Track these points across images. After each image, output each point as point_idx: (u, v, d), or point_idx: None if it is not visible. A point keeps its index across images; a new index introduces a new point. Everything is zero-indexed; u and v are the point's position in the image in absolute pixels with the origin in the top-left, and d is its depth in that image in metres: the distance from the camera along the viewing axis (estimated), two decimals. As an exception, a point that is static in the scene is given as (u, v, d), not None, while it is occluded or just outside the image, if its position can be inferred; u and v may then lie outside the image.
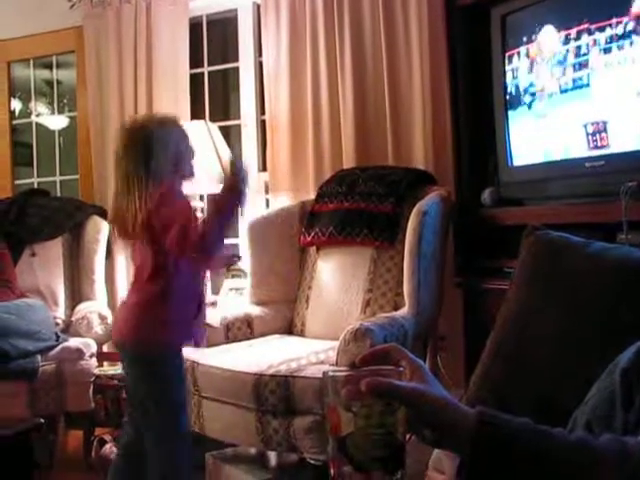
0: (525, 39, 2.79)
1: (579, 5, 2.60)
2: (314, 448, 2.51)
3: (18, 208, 4.03)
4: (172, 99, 4.10)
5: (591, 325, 1.39)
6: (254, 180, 3.65)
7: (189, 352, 2.92)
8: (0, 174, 4.77)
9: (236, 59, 4.18)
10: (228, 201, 2.30)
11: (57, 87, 4.88)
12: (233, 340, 3.13)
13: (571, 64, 2.57)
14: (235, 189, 2.27)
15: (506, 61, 2.89)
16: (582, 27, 2.50)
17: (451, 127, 3.32)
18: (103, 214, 4.04)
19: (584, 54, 2.50)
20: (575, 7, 2.61)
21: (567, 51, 2.58)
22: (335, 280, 3.23)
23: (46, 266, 3.90)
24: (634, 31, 2.32)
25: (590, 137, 2.51)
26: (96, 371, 3.50)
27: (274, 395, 2.58)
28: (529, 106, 2.81)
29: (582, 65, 2.52)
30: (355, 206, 3.23)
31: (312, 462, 2.57)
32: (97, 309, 3.69)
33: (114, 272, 4.09)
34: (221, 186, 2.44)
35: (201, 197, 3.92)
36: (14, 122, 4.93)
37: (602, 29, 2.42)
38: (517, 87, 2.86)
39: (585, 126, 2.53)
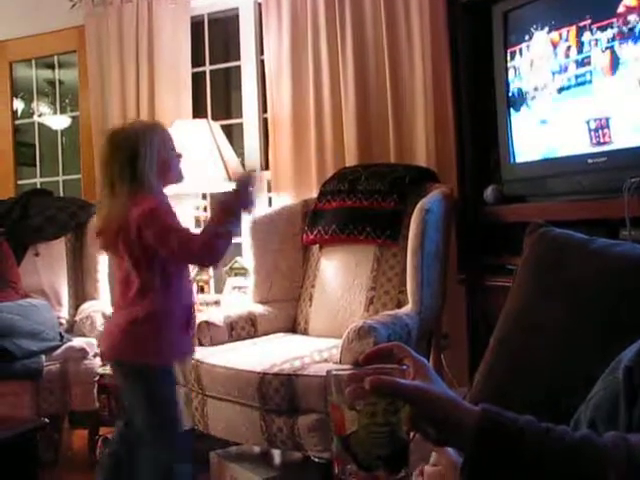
0: (527, 36, 2.78)
1: (581, 1, 2.60)
2: (318, 446, 2.51)
3: (21, 208, 4.03)
4: (174, 98, 4.11)
5: (594, 322, 1.39)
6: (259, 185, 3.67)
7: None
8: (3, 174, 4.79)
9: (238, 58, 4.18)
10: (235, 207, 2.31)
11: (59, 87, 4.90)
12: (237, 339, 3.13)
13: (573, 60, 2.56)
14: (244, 198, 2.30)
15: (508, 58, 2.89)
16: (584, 23, 2.49)
17: (453, 124, 3.33)
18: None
19: (586, 50, 2.50)
20: (577, 3, 2.60)
21: (569, 47, 2.58)
22: (338, 278, 3.23)
23: (49, 266, 3.90)
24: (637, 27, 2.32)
25: (592, 133, 2.51)
26: (100, 370, 3.50)
27: (278, 394, 2.58)
28: (531, 103, 2.80)
29: (584, 61, 2.51)
30: (358, 204, 3.23)
31: (316, 460, 2.57)
32: (101, 308, 3.69)
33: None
34: (229, 191, 2.42)
35: (204, 196, 3.92)
36: (16, 122, 4.94)
37: (604, 26, 2.41)
38: (519, 83, 2.85)
39: (587, 122, 2.52)
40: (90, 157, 4.39)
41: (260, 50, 4.03)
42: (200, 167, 3.54)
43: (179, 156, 2.51)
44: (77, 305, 3.85)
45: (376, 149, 3.57)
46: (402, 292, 2.97)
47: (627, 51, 2.35)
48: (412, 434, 0.86)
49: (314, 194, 3.54)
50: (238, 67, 4.19)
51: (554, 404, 1.18)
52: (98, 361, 3.50)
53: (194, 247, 2.25)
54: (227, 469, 2.91)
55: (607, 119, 2.45)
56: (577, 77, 2.55)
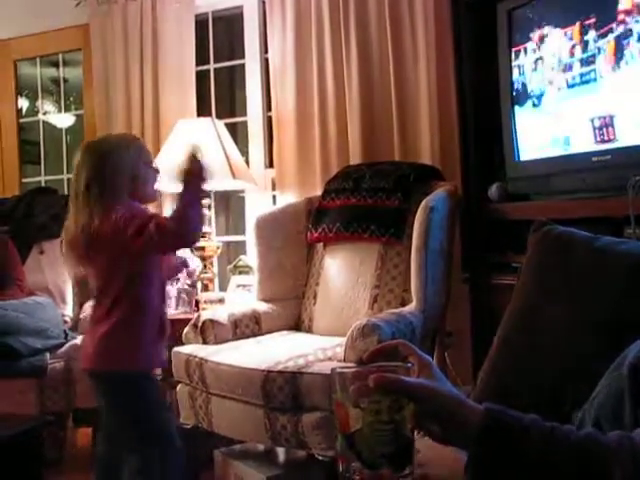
0: (531, 34, 2.78)
1: (585, -1, 2.60)
2: (322, 444, 2.51)
3: (26, 206, 4.04)
4: (178, 96, 4.11)
5: (598, 320, 1.39)
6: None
7: (195, 350, 2.94)
8: (7, 172, 4.80)
9: (242, 56, 4.18)
10: (193, 182, 2.26)
11: (63, 85, 4.90)
12: (241, 337, 3.13)
13: (578, 58, 2.56)
14: (197, 171, 2.25)
15: (512, 56, 2.88)
16: (589, 21, 2.49)
17: (458, 122, 3.32)
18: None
19: (591, 48, 2.49)
20: (582, 1, 2.60)
21: (574, 45, 2.57)
22: (342, 276, 3.23)
23: (54, 264, 3.91)
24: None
25: (597, 131, 2.50)
26: (104, 368, 3.50)
27: (282, 391, 2.58)
28: (536, 101, 2.80)
29: (589, 59, 2.51)
30: (362, 202, 3.23)
31: (320, 458, 2.57)
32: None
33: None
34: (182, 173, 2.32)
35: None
36: (21, 120, 4.95)
37: (609, 23, 2.41)
38: (524, 82, 2.85)
39: (592, 120, 2.52)
40: (94, 155, 4.39)
41: (264, 48, 4.03)
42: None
43: (156, 172, 2.46)
44: (81, 303, 3.84)
45: (380, 147, 3.56)
46: (406, 290, 2.97)
47: (631, 49, 2.34)
48: (416, 432, 0.86)
49: (318, 192, 3.54)
50: (242, 65, 4.19)
51: (558, 402, 1.18)
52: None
53: (169, 225, 2.21)
54: (231, 467, 2.91)
55: (611, 117, 2.44)
56: (582, 75, 2.55)
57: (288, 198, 3.74)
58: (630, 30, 2.34)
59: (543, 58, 2.74)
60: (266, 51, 3.98)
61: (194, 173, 2.25)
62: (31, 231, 3.95)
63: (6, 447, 2.09)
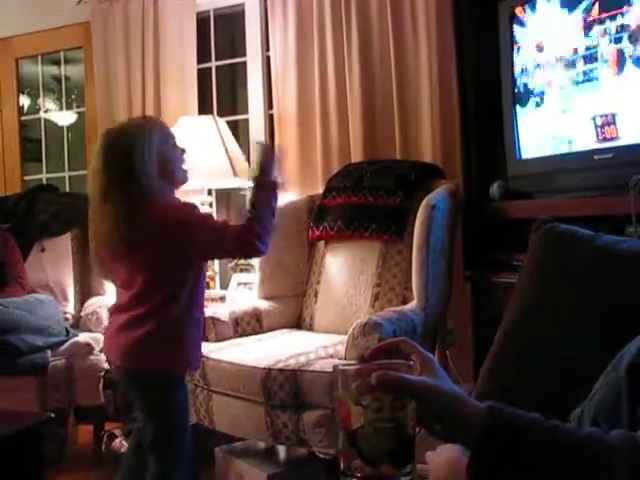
0: (533, 31, 2.77)
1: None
2: (323, 442, 2.52)
3: (27, 204, 4.04)
4: (180, 94, 4.11)
5: (599, 318, 1.39)
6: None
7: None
8: (9, 170, 4.80)
9: (243, 54, 4.18)
10: (267, 183, 2.23)
11: (65, 83, 4.90)
12: (242, 334, 3.14)
13: (580, 57, 2.56)
14: (267, 183, 2.22)
15: (514, 54, 2.88)
16: (592, 18, 2.49)
17: (459, 120, 3.32)
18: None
19: (594, 46, 2.49)
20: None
21: (576, 44, 2.57)
22: (343, 274, 3.23)
23: (55, 262, 3.91)
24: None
25: (599, 129, 2.50)
26: (106, 366, 3.50)
27: (283, 389, 2.59)
28: (537, 99, 2.80)
29: (592, 58, 2.51)
30: (363, 200, 3.23)
31: (321, 456, 2.57)
32: (107, 304, 3.68)
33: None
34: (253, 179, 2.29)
35: (209, 191, 3.93)
36: (23, 118, 4.95)
37: (613, 18, 2.41)
38: (525, 80, 2.85)
39: (594, 118, 2.52)
40: (96, 153, 4.40)
41: (266, 46, 4.03)
42: (206, 163, 3.53)
43: (183, 152, 2.35)
44: (83, 300, 3.85)
45: (381, 145, 3.56)
46: (407, 288, 2.97)
47: (634, 47, 2.34)
48: (418, 430, 0.86)
49: (319, 190, 3.54)
50: (244, 63, 4.19)
51: (559, 401, 1.18)
52: (104, 356, 3.50)
53: (248, 234, 2.17)
54: (232, 465, 2.91)
55: (613, 115, 2.44)
56: (584, 73, 2.55)
57: (289, 196, 3.74)
58: (633, 28, 2.34)
59: (545, 56, 2.74)
60: (267, 49, 3.98)
61: (268, 173, 2.21)
62: (32, 229, 3.94)
63: (7, 444, 2.09)
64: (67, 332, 3.41)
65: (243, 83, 4.24)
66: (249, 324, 3.20)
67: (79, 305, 3.84)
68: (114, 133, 2.24)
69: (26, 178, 4.88)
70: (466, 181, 3.28)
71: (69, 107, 5.03)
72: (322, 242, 3.39)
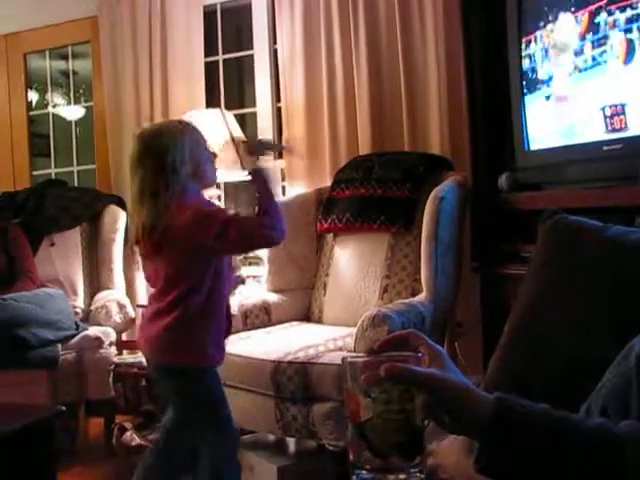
0: (541, 22, 2.76)
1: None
2: (333, 434, 2.52)
3: (36, 199, 4.06)
4: (187, 87, 4.11)
5: (608, 309, 1.39)
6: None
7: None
8: (18, 165, 4.81)
9: (251, 47, 4.18)
10: (263, 187, 2.29)
11: (73, 77, 4.91)
12: (251, 327, 3.14)
13: (589, 46, 2.54)
14: (260, 178, 2.28)
15: (523, 44, 2.87)
16: (600, 6, 2.47)
17: (467, 112, 3.31)
18: (121, 203, 4.07)
19: (603, 36, 2.47)
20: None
21: (585, 33, 2.56)
22: (352, 267, 3.23)
23: (65, 256, 3.93)
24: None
25: (608, 120, 2.49)
26: (116, 359, 3.52)
27: (292, 382, 2.59)
28: (546, 90, 2.79)
29: (600, 47, 2.49)
30: (371, 192, 3.23)
31: (331, 448, 2.58)
32: (116, 298, 3.72)
33: (132, 261, 4.11)
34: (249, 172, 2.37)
35: (217, 185, 3.93)
36: (31, 113, 4.96)
37: (622, 9, 2.39)
38: (534, 70, 2.83)
39: (603, 109, 2.51)
40: (104, 147, 4.41)
41: (273, 39, 4.03)
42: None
43: (214, 155, 2.44)
44: (92, 294, 3.87)
45: (390, 137, 3.56)
46: (416, 280, 2.97)
47: (643, 37, 2.33)
48: (427, 422, 0.86)
49: (328, 183, 3.54)
50: (251, 56, 4.19)
51: (569, 391, 1.18)
52: (114, 350, 3.52)
53: (257, 226, 2.22)
54: (242, 457, 2.92)
55: (622, 105, 2.43)
56: (592, 64, 2.54)
57: (297, 189, 3.74)
58: (641, 18, 2.33)
59: (553, 46, 2.72)
60: (275, 42, 3.97)
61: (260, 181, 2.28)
62: (42, 223, 3.96)
63: (19, 437, 2.10)
64: (77, 326, 3.43)
65: (250, 76, 4.23)
66: (258, 317, 3.21)
67: (88, 299, 3.86)
68: (149, 135, 2.31)
69: (35, 173, 4.89)
70: (474, 173, 3.27)
71: (77, 102, 5.04)
72: (331, 234, 3.39)
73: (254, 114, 4.20)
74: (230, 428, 2.35)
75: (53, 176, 4.78)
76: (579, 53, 2.59)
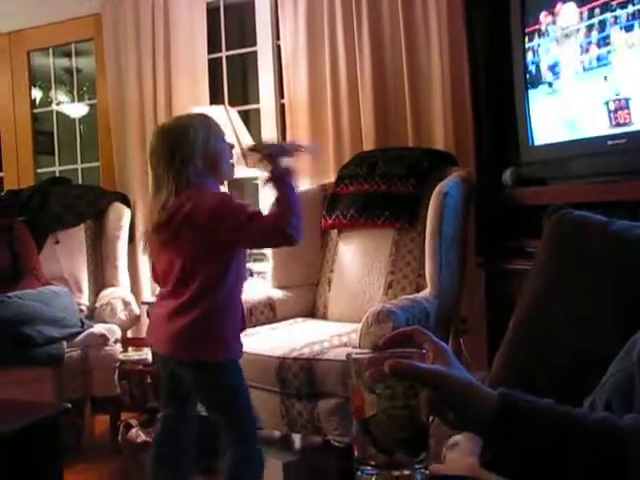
0: (545, 16, 2.75)
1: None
2: (338, 430, 2.52)
3: (41, 196, 4.06)
4: (191, 84, 4.12)
5: (613, 304, 1.39)
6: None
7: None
8: (22, 163, 4.82)
9: (254, 43, 4.17)
10: (284, 184, 2.28)
11: (77, 75, 4.91)
12: (256, 324, 3.14)
13: (593, 41, 2.53)
14: (280, 173, 2.27)
15: (526, 38, 2.86)
16: (604, 2, 2.46)
17: (471, 107, 3.31)
18: (125, 201, 4.08)
19: (606, 30, 2.47)
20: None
21: (588, 27, 2.55)
22: (357, 262, 3.23)
23: (69, 253, 3.94)
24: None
25: (612, 114, 2.48)
26: (121, 356, 3.53)
27: (297, 378, 2.60)
28: (550, 84, 2.78)
29: (604, 41, 2.48)
30: (375, 188, 3.23)
31: (336, 444, 2.58)
32: (121, 295, 3.72)
33: (137, 258, 4.12)
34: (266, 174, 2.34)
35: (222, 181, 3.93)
36: (35, 111, 4.96)
37: (624, 4, 2.38)
38: (537, 65, 2.83)
39: (607, 103, 2.50)
40: (108, 144, 4.42)
41: (276, 35, 4.02)
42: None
43: (231, 147, 2.44)
44: (97, 292, 3.88)
45: (393, 133, 3.55)
46: (421, 276, 2.97)
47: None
48: (431, 418, 0.86)
49: (332, 179, 3.54)
50: (254, 53, 4.18)
51: (574, 386, 1.18)
52: (119, 347, 3.53)
53: (271, 224, 2.23)
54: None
55: (627, 100, 2.42)
56: (597, 58, 2.53)
57: (302, 185, 3.73)
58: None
59: (557, 40, 2.72)
60: (278, 38, 3.97)
61: (279, 177, 2.27)
62: (46, 221, 3.97)
63: (24, 435, 2.10)
64: (82, 323, 3.44)
65: (254, 73, 4.23)
66: (263, 313, 3.21)
67: (93, 296, 3.87)
68: (167, 128, 2.34)
69: (39, 171, 4.90)
70: (479, 168, 3.27)
71: (81, 99, 5.04)
72: (335, 231, 3.39)
73: (258, 110, 4.20)
74: (252, 416, 2.34)
75: (57, 174, 4.78)
76: (583, 47, 2.58)
